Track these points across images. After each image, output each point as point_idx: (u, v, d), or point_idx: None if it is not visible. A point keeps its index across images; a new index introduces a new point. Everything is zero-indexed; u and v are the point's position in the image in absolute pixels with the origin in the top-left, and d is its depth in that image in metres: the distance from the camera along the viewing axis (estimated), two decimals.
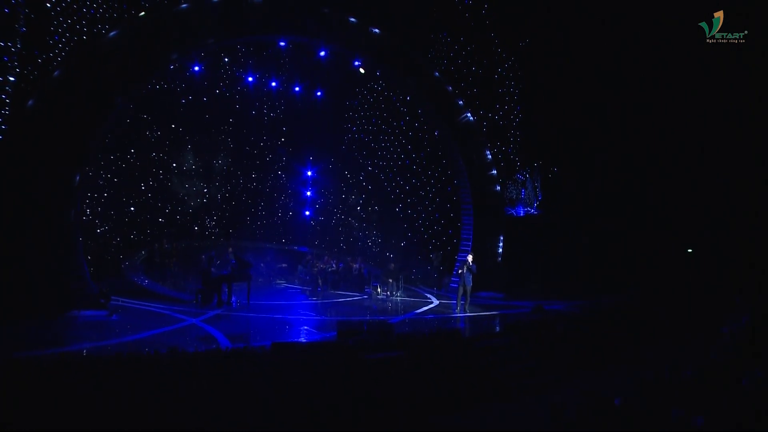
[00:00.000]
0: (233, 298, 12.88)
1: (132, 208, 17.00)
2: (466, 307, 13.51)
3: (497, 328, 11.26)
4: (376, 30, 15.53)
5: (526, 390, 8.66)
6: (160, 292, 13.71)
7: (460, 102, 17.28)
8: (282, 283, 18.14)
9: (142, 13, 12.49)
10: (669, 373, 7.17)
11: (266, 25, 13.82)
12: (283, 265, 19.00)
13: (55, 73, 11.54)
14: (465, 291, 13.53)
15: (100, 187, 16.08)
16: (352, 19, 15.16)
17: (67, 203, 11.07)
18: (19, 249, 10.23)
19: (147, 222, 17.45)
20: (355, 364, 7.63)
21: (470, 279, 13.47)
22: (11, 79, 13.14)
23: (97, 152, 14.48)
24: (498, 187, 18.07)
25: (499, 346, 9.49)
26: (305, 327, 10.94)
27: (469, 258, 13.82)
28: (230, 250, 14.27)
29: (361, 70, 16.88)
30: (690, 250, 20.78)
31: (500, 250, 17.84)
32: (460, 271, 13.75)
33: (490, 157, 17.98)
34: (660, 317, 14.01)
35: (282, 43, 14.96)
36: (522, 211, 19.79)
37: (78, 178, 11.25)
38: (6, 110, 12.65)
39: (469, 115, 17.56)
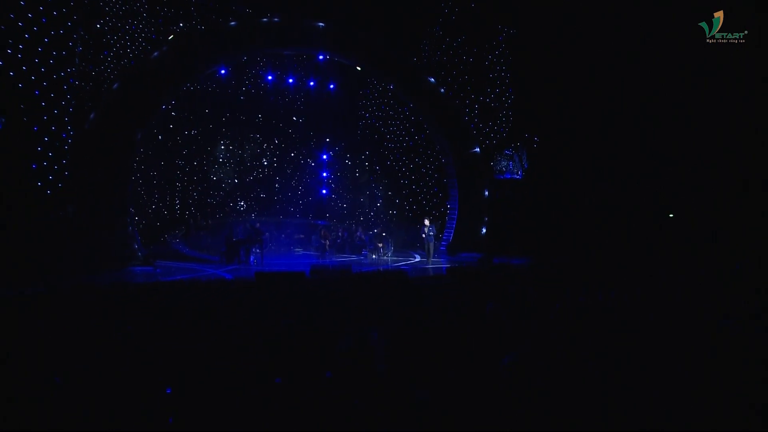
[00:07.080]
0: (251, 258, 16.27)
1: (177, 190, 20.83)
2: (431, 260, 16.55)
3: (442, 274, 14.04)
4: (363, 35, 18.32)
5: None
6: (194, 255, 17.47)
7: (441, 90, 19.92)
8: (299, 251, 21.57)
9: (171, 36, 15.87)
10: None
11: (272, 41, 16.99)
12: (301, 235, 22.43)
13: (114, 86, 15.18)
14: (429, 248, 16.58)
15: (150, 174, 19.90)
16: (346, 28, 18.01)
17: (123, 188, 14.81)
18: (95, 225, 14.05)
19: (188, 201, 21.27)
20: (318, 291, 10.92)
21: (432, 238, 16.53)
22: (68, 96, 16.77)
23: (145, 143, 18.25)
24: (481, 163, 20.65)
25: (433, 285, 12.41)
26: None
27: (426, 221, 16.81)
28: (257, 225, 17.56)
29: (358, 68, 19.85)
30: (671, 215, 22.87)
31: (484, 218, 20.52)
32: (423, 236, 16.76)
33: (474, 133, 20.55)
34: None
35: (286, 53, 18.15)
36: (509, 176, 22.47)
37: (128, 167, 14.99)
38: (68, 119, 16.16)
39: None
